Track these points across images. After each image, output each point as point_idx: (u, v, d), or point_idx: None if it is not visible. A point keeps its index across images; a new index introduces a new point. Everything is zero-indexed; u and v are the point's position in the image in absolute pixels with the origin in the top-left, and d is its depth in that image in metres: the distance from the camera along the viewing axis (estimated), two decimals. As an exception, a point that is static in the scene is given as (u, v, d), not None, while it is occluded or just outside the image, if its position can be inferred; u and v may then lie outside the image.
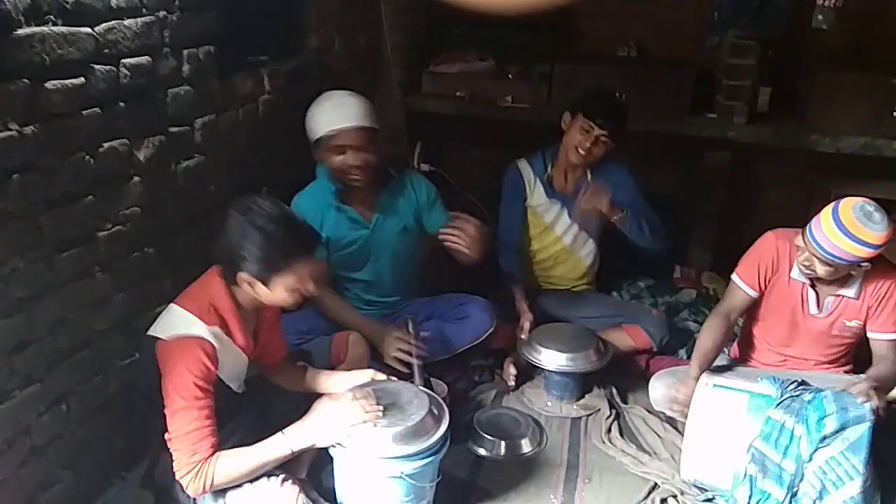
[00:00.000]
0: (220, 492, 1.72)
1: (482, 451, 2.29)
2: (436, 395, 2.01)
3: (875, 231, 1.90)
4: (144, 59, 1.93)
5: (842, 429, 1.80)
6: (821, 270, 2.02)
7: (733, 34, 3.10)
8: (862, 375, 2.09)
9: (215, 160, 2.29)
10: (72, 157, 1.75)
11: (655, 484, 2.13)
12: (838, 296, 2.17)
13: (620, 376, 2.68)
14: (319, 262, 2.34)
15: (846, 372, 2.32)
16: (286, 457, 1.74)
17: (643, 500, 2.06)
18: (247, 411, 1.89)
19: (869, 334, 2.19)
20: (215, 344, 1.71)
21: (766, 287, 2.25)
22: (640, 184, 2.79)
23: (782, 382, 1.99)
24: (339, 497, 1.90)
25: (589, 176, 2.77)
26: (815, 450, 1.81)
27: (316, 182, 2.43)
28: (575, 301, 2.89)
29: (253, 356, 1.89)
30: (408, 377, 2.23)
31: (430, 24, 3.65)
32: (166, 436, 1.68)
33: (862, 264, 1.99)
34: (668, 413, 2.31)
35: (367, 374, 2.01)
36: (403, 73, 3.47)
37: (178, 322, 1.72)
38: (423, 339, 2.33)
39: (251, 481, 1.72)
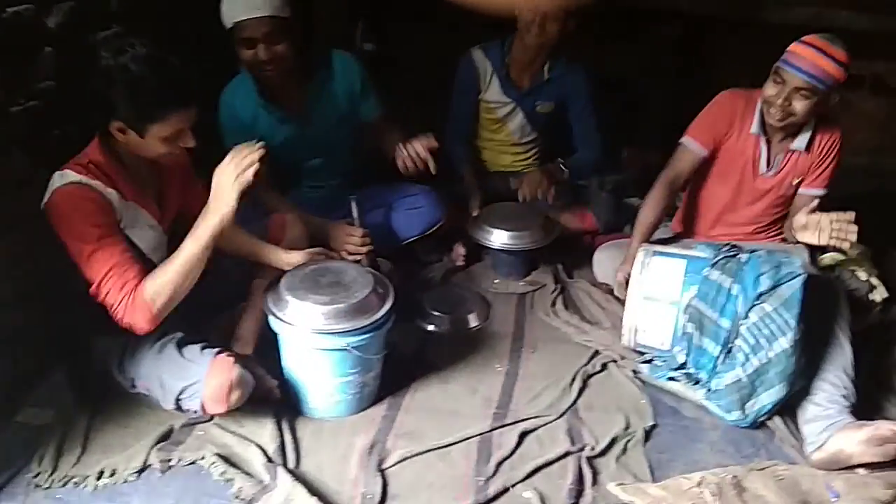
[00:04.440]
0: (155, 364, 1.74)
1: (430, 327, 2.32)
2: (380, 275, 2.00)
3: (842, 49, 2.01)
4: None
5: (776, 286, 1.85)
6: (798, 106, 2.05)
7: None
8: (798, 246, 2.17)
9: (137, 32, 2.12)
10: (-30, 22, 1.60)
11: (597, 351, 2.20)
12: (789, 151, 2.20)
13: (566, 254, 2.71)
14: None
15: (781, 240, 2.38)
16: (206, 247, 1.69)
17: (585, 366, 2.12)
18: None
19: (800, 191, 2.25)
20: (100, 191, 1.66)
21: (718, 145, 2.27)
22: (592, 88, 2.77)
23: (717, 246, 2.04)
24: (285, 371, 1.91)
25: (546, 73, 2.69)
26: (751, 307, 1.87)
27: (239, 78, 2.29)
28: None
29: (166, 218, 1.85)
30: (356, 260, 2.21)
31: None
32: (92, 288, 1.66)
33: (832, 92, 2.04)
34: (613, 286, 2.36)
35: (311, 253, 2.00)
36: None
37: (57, 181, 1.67)
38: (366, 226, 2.29)
39: (181, 350, 1.74)
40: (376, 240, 2.31)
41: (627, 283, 2.11)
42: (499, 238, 2.55)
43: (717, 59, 3.58)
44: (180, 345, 1.80)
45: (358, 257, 2.22)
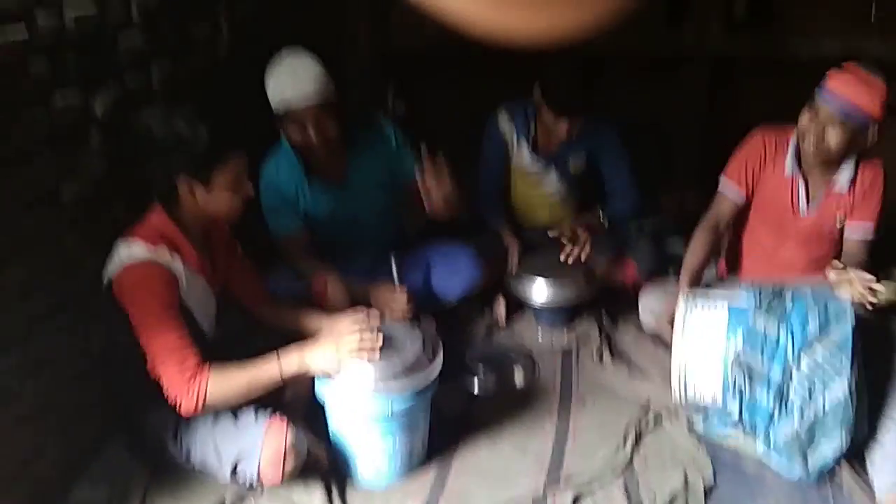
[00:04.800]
0: (210, 433, 1.75)
1: (475, 387, 2.29)
2: (429, 333, 1.98)
3: (880, 82, 1.97)
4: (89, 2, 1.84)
5: (825, 327, 1.79)
6: (833, 139, 2.00)
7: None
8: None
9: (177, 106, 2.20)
10: (22, 111, 1.67)
11: (648, 404, 2.14)
12: (829, 189, 2.15)
13: (609, 302, 2.67)
14: (298, 231, 2.32)
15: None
16: (275, 380, 1.74)
17: (637, 420, 2.07)
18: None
19: (847, 230, 2.18)
20: (167, 266, 1.70)
21: (753, 187, 2.23)
22: (622, 139, 2.72)
23: (760, 290, 1.96)
24: (333, 437, 1.90)
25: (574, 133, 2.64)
26: (801, 352, 1.81)
27: (282, 151, 2.30)
28: None
29: (217, 285, 1.89)
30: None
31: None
32: (149, 362, 1.69)
33: (868, 128, 1.99)
34: (659, 333, 2.31)
35: (355, 320, 1.99)
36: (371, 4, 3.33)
37: (123, 254, 1.71)
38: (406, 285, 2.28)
39: (236, 416, 1.75)
40: (417, 301, 2.30)
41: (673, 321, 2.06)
42: (540, 294, 2.53)
43: (747, 97, 3.56)
44: (234, 411, 1.81)
45: (403, 317, 2.21)
